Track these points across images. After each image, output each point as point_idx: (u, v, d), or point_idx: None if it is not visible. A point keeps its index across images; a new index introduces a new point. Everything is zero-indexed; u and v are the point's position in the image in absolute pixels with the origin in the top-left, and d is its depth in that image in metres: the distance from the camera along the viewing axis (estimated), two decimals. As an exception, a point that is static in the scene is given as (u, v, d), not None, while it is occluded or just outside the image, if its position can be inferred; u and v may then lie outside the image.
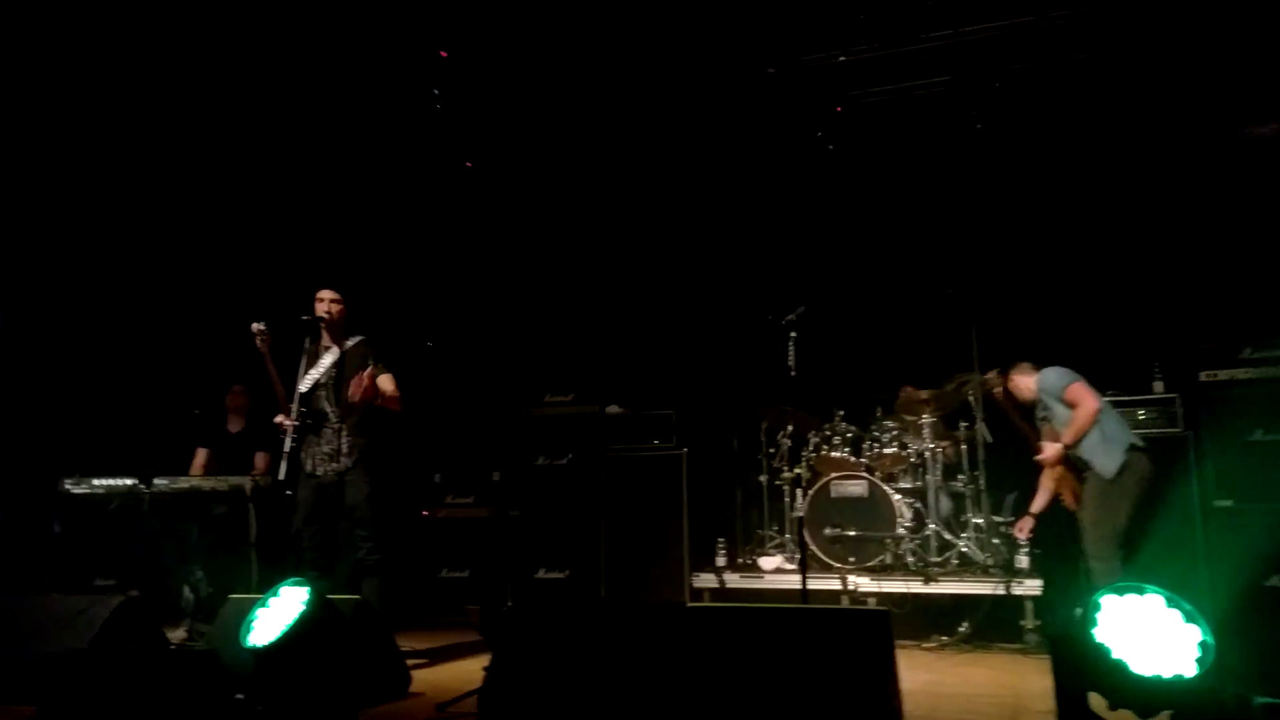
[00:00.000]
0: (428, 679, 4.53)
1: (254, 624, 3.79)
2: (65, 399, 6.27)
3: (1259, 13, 5.47)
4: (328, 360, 4.83)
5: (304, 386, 4.75)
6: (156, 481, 5.30)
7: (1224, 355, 5.46)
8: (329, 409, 4.81)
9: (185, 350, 6.79)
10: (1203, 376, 5.28)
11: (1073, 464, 5.03)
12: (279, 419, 4.78)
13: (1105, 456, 4.82)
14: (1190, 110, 6.12)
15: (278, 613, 3.81)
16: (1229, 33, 5.64)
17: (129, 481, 5.34)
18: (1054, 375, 5.03)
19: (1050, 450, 5.00)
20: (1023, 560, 5.44)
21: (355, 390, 4.64)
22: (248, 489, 5.31)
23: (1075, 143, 6.52)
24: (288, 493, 4.62)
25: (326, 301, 4.83)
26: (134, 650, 3.93)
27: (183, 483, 5.46)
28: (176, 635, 5.11)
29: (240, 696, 3.50)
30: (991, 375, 5.56)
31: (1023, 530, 5.40)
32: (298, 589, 3.85)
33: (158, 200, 6.77)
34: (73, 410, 6.26)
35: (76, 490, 5.39)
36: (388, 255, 7.49)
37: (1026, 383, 5.22)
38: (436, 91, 6.51)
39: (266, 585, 4.01)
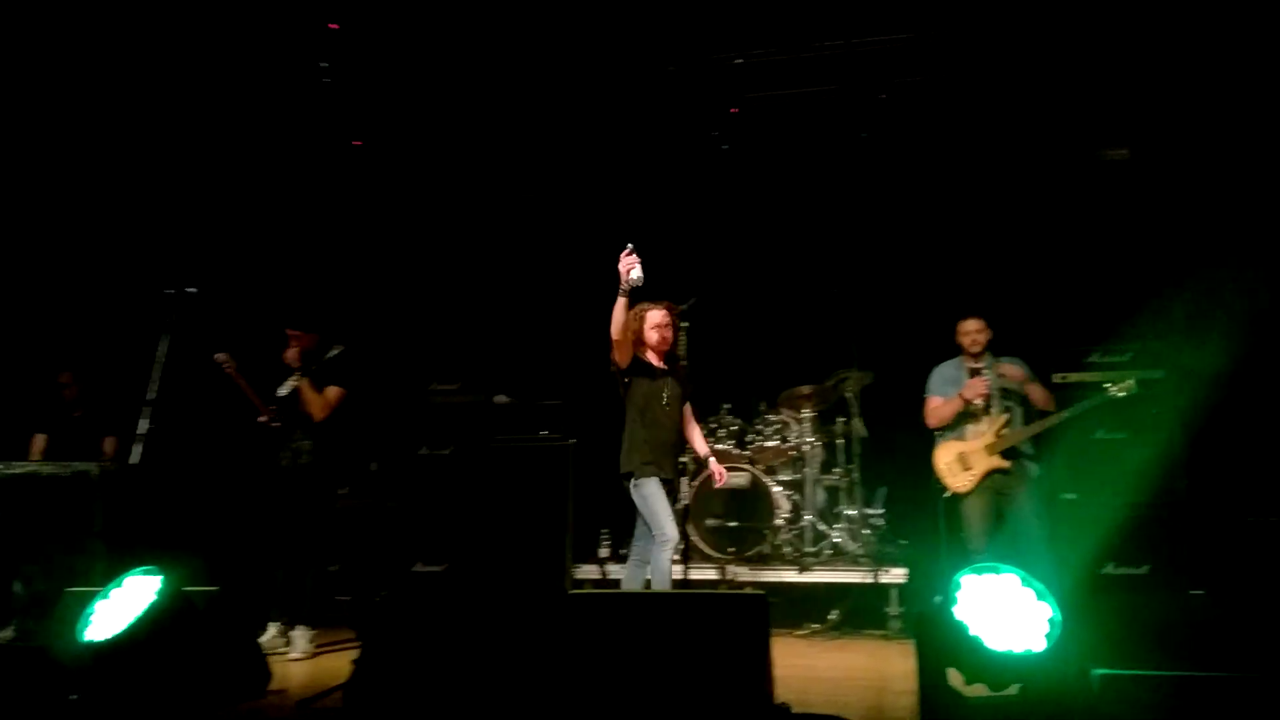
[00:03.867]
0: (289, 674, 4.37)
1: (92, 617, 3.53)
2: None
3: (1116, 47, 5.82)
4: None
5: (283, 391, 5.18)
6: (-11, 468, 4.87)
7: (1073, 358, 5.75)
8: (300, 413, 5.15)
9: (20, 333, 6.35)
10: (1054, 378, 5.53)
11: (1010, 450, 5.08)
12: (262, 418, 5.17)
13: (1034, 460, 5.21)
14: (1056, 130, 6.46)
15: (121, 605, 3.56)
16: (1091, 62, 5.98)
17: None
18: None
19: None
20: (890, 551, 5.61)
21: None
22: (94, 474, 4.97)
23: (951, 154, 6.79)
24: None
25: (292, 339, 5.23)
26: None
27: (18, 468, 5.05)
28: (4, 635, 4.76)
29: (75, 697, 3.26)
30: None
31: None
32: (147, 579, 3.62)
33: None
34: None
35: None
36: (265, 232, 7.17)
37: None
38: (325, 65, 6.27)
39: (113, 578, 3.74)
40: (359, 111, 6.79)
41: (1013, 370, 5.20)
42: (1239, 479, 5.37)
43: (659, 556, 4.43)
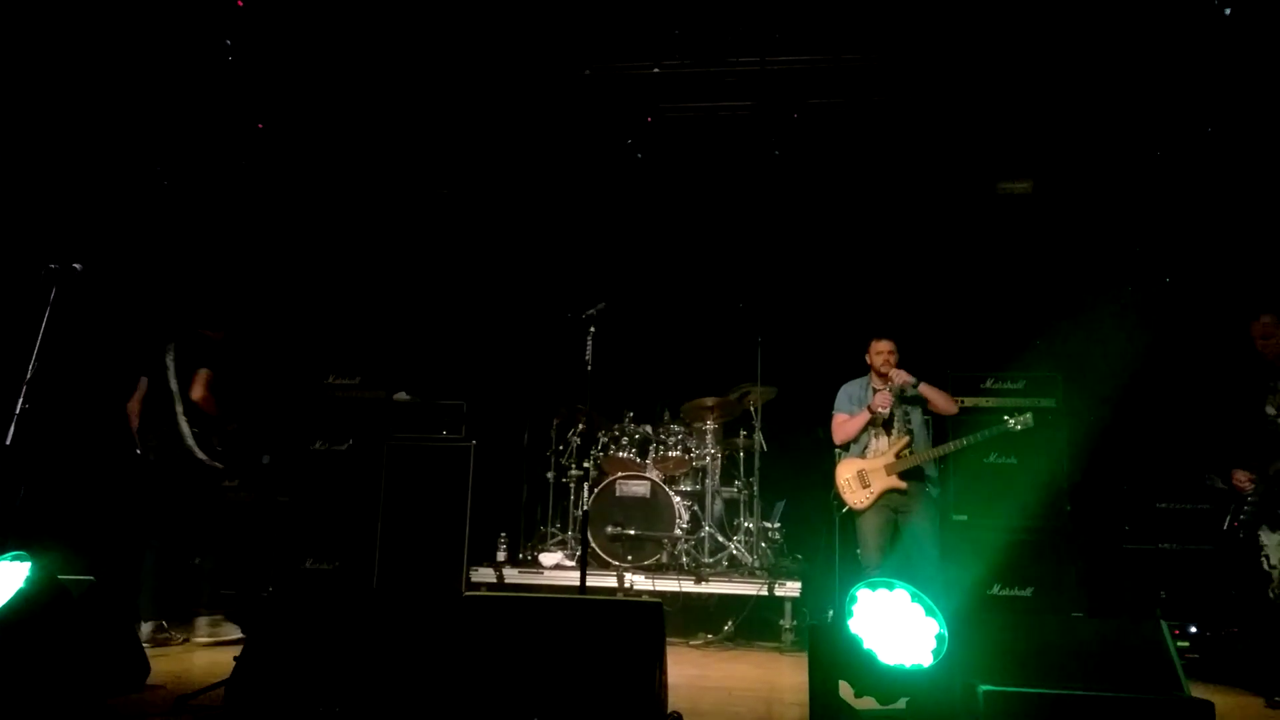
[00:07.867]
0: (169, 669, 4.20)
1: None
2: None
3: (1026, 81, 6.09)
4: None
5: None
6: None
7: (970, 383, 6.04)
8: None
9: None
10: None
11: (908, 471, 5.14)
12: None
13: (934, 482, 5.32)
14: (963, 159, 6.74)
15: (-12, 591, 3.37)
16: (1002, 95, 6.24)
17: None
18: None
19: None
20: (785, 564, 5.72)
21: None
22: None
23: (860, 178, 6.99)
24: None
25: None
26: None
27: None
28: None
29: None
30: None
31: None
32: (16, 565, 3.43)
33: None
34: None
35: None
36: (160, 218, 6.85)
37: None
38: (229, 43, 6.04)
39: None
40: (264, 94, 6.55)
41: (905, 376, 5.19)
42: (1119, 508, 5.67)
43: None
